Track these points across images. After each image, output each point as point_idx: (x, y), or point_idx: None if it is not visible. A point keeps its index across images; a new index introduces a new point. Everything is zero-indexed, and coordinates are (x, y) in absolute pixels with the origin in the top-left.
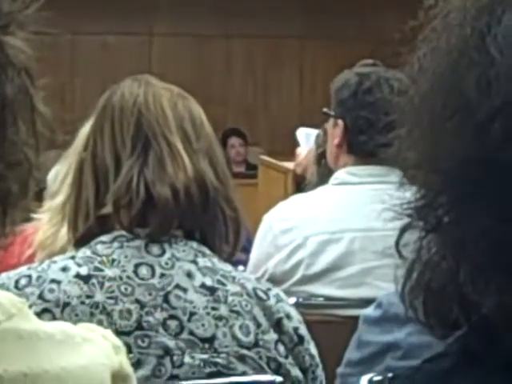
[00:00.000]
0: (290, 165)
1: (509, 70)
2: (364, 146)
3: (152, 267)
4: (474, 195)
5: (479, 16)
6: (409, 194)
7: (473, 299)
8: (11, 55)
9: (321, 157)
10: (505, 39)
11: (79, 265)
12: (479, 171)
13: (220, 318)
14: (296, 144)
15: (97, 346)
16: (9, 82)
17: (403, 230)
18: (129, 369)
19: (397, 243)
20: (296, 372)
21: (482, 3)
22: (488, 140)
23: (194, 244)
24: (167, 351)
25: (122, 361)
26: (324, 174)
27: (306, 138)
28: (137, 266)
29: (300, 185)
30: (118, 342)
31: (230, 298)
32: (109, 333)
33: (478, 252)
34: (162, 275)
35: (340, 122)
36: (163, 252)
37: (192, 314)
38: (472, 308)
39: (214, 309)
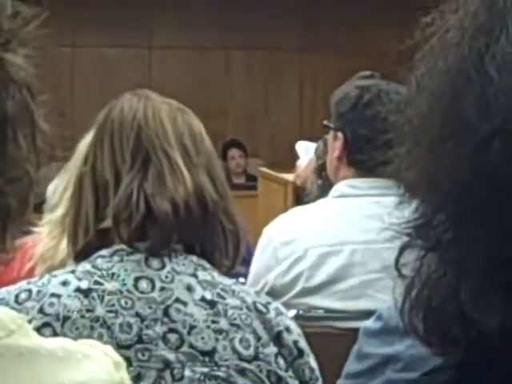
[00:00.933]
0: (289, 176)
1: (507, 90)
2: (364, 163)
3: (152, 281)
4: (474, 214)
5: (477, 35)
6: (408, 212)
7: (473, 317)
8: (12, 72)
9: (321, 169)
10: (503, 59)
11: (79, 279)
12: (478, 191)
13: (220, 331)
14: (296, 156)
15: (97, 363)
16: (10, 98)
17: (402, 249)
18: None
19: (396, 262)
20: None
21: (480, 22)
22: (487, 160)
23: (194, 258)
24: (167, 364)
25: (123, 377)
26: (325, 187)
27: (306, 151)
28: (137, 279)
29: (300, 196)
30: (118, 357)
31: (229, 312)
32: (109, 349)
33: (479, 271)
34: (162, 289)
35: (340, 134)
36: (163, 266)
37: (192, 327)
38: (472, 325)
39: (214, 322)
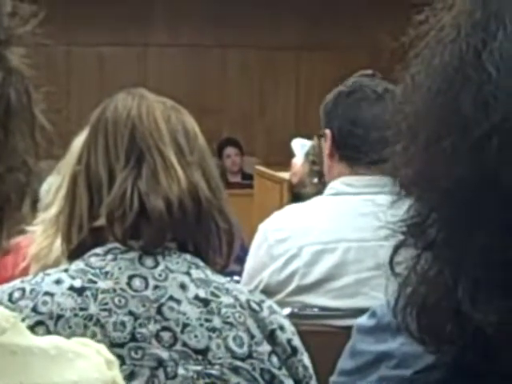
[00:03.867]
0: (285, 175)
1: (506, 87)
2: (353, 153)
3: (145, 279)
4: (470, 213)
5: (473, 32)
6: (403, 210)
7: (470, 315)
8: (14, 64)
9: (319, 175)
10: (501, 56)
11: (73, 277)
12: (475, 189)
13: (213, 329)
14: (292, 154)
15: (90, 362)
16: (13, 87)
17: (397, 248)
18: None
19: (391, 260)
20: (290, 383)
21: (476, 19)
22: (484, 158)
23: (188, 256)
24: (161, 363)
25: (116, 376)
26: (320, 185)
27: (302, 148)
28: (130, 277)
29: (298, 195)
30: (111, 356)
31: (223, 310)
32: (102, 347)
33: (475, 270)
34: (156, 287)
35: (327, 131)
36: (157, 264)
37: (185, 325)
38: (468, 323)
39: (207, 320)
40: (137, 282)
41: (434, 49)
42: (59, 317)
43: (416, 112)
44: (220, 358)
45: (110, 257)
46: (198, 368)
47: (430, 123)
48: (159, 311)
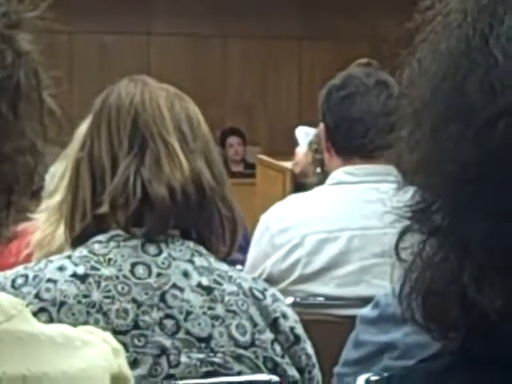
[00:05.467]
0: (287, 164)
1: None
2: (348, 147)
3: (149, 267)
4: (475, 199)
5: (480, 17)
6: (407, 196)
7: (476, 300)
8: (23, 46)
9: (322, 164)
10: (508, 40)
11: (76, 264)
12: (481, 174)
13: (216, 317)
14: (295, 143)
15: (96, 349)
16: (22, 69)
17: (402, 233)
18: (128, 372)
19: (396, 246)
20: (292, 372)
21: (483, 4)
22: (490, 143)
23: (191, 243)
24: (163, 350)
25: (122, 364)
26: (323, 175)
27: (305, 136)
28: (133, 265)
29: (301, 185)
30: (117, 344)
31: (226, 298)
32: (108, 335)
33: (482, 254)
34: (159, 275)
35: (321, 125)
36: (160, 251)
37: (188, 313)
38: (473, 309)
39: (210, 308)
40: (140, 270)
41: (440, 34)
42: (62, 304)
43: (422, 97)
44: (223, 346)
45: (113, 244)
46: (201, 356)
47: (436, 108)
48: (162, 299)
